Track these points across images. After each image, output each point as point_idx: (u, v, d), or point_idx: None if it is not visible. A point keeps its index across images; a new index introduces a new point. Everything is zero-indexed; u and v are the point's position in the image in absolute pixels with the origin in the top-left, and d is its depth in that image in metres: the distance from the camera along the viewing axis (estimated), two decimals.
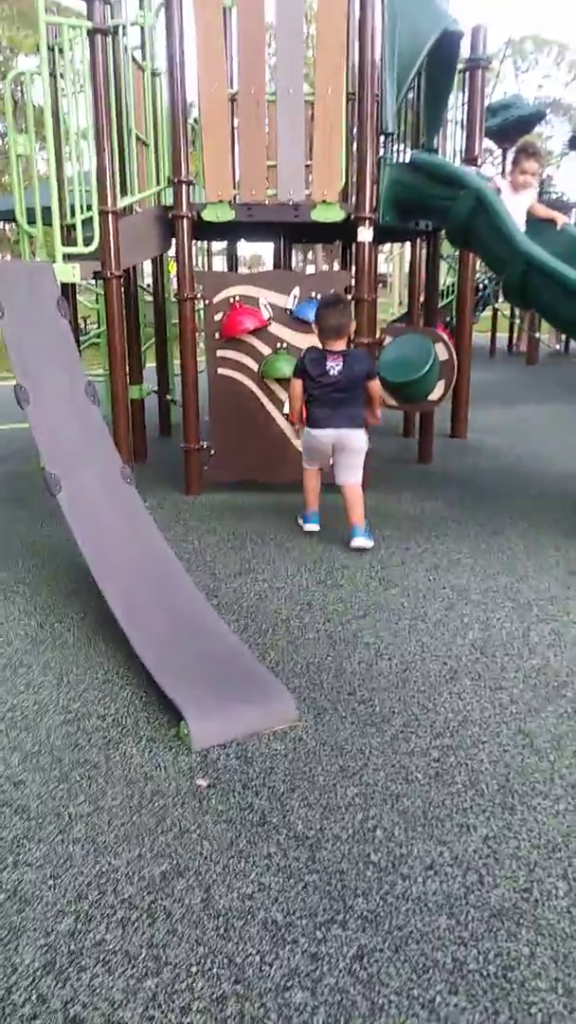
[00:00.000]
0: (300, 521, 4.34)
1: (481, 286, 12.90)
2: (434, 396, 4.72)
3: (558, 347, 14.97)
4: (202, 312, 5.03)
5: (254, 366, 4.83)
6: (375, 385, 4.06)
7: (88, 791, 2.08)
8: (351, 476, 4.03)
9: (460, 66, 5.49)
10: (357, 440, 4.00)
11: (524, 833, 1.92)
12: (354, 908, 1.68)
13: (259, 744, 2.30)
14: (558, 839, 1.90)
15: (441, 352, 4.60)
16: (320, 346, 4.02)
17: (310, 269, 29.46)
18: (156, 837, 1.90)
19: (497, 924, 1.64)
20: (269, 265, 8.53)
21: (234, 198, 4.73)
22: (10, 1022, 1.42)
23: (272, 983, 1.50)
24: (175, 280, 5.26)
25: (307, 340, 4.65)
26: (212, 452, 5.01)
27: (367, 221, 4.67)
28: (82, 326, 10.78)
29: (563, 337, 14.88)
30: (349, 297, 4.77)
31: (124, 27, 4.84)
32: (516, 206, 4.49)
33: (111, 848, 1.86)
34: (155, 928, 1.63)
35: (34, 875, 1.78)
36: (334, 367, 3.91)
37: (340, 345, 3.98)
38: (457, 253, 6.99)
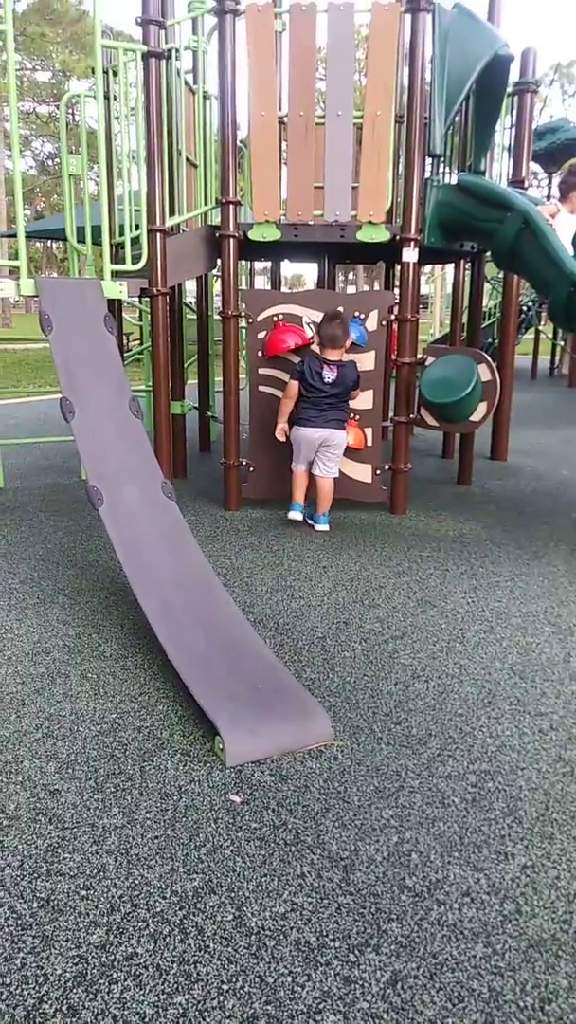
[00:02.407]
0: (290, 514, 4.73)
1: (524, 308, 12.82)
2: (475, 417, 4.68)
3: None
4: (244, 330, 5.07)
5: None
6: (354, 393, 4.66)
7: (122, 803, 2.09)
8: (328, 471, 4.63)
9: (509, 90, 5.49)
10: (339, 439, 4.59)
11: (564, 863, 1.87)
12: (388, 932, 1.66)
13: (294, 762, 2.28)
14: None
15: (484, 373, 4.57)
16: (319, 353, 4.53)
17: (351, 289, 29.57)
18: (189, 852, 1.90)
19: (535, 955, 1.60)
20: (311, 285, 8.57)
21: (280, 219, 4.77)
22: None
23: (304, 1005, 1.48)
24: (219, 298, 5.31)
25: (349, 358, 4.66)
26: (251, 469, 5.03)
27: (412, 242, 4.69)
28: (125, 342, 10.93)
29: None
30: (393, 317, 4.79)
31: (177, 51, 4.94)
32: (570, 228, 4.52)
33: (144, 861, 1.86)
34: (187, 944, 1.62)
35: (67, 885, 1.78)
36: (329, 375, 4.48)
37: (335, 355, 4.51)
38: (501, 275, 6.96)
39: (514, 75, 5.48)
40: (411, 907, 1.73)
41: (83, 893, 1.76)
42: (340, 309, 4.62)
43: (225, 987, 1.51)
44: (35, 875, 1.81)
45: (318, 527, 4.64)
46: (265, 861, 1.87)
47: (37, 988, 1.51)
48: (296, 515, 4.67)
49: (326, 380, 4.47)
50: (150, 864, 1.85)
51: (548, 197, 13.72)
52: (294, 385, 4.57)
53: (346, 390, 4.54)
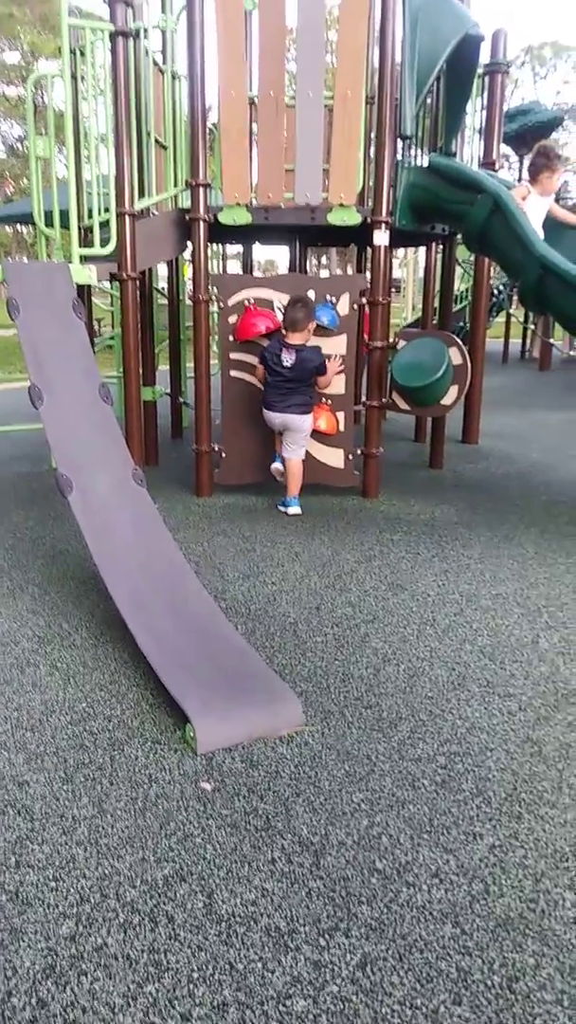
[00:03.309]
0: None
1: (495, 291, 12.86)
2: (447, 401, 4.69)
3: (572, 353, 14.90)
4: (216, 315, 5.03)
5: None
6: (324, 379, 4.62)
7: (92, 793, 2.08)
8: (293, 453, 4.65)
9: (480, 71, 5.47)
10: (301, 423, 4.58)
11: (531, 842, 1.90)
12: (358, 916, 1.67)
13: (265, 748, 2.29)
14: (566, 849, 1.87)
15: (455, 356, 4.57)
16: (282, 337, 4.51)
17: (324, 273, 29.46)
18: (160, 840, 1.89)
19: (503, 934, 1.62)
20: (283, 270, 8.53)
21: (251, 201, 4.73)
22: None
23: (274, 991, 1.48)
24: (190, 283, 5.26)
25: (321, 343, 4.65)
26: (223, 455, 5.01)
27: (383, 224, 4.66)
28: (96, 328, 10.81)
29: None
30: (364, 300, 4.77)
31: (146, 30, 4.86)
32: (540, 210, 4.52)
33: (114, 851, 1.86)
34: (157, 933, 1.62)
35: (36, 877, 1.77)
36: (288, 358, 4.44)
37: (296, 339, 4.46)
38: (472, 258, 6.96)
39: (485, 56, 5.46)
40: (381, 890, 1.74)
41: (52, 885, 1.75)
42: (305, 294, 4.61)
43: (195, 975, 1.52)
44: (3, 868, 1.80)
45: (289, 511, 4.65)
46: (236, 848, 1.87)
47: (5, 982, 1.50)
48: (295, 509, 4.67)
49: (284, 364, 4.44)
50: (120, 854, 1.85)
51: (519, 179, 13.75)
52: (260, 369, 4.65)
53: (306, 374, 4.49)
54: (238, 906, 1.69)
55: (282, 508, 4.70)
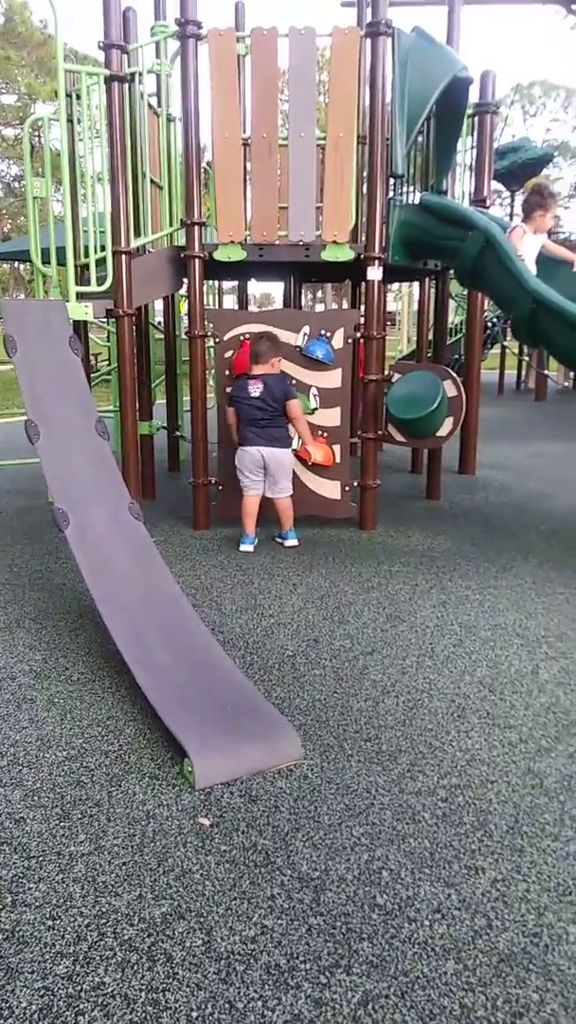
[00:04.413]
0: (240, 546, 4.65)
1: (489, 324, 13.00)
2: (442, 432, 4.72)
3: (567, 384, 15.02)
4: (212, 349, 5.08)
5: None
6: (292, 405, 4.48)
7: (89, 829, 2.06)
8: (279, 492, 4.60)
9: (469, 111, 5.59)
10: (281, 458, 4.52)
11: (534, 876, 1.88)
12: (359, 952, 1.64)
13: (264, 782, 2.27)
14: (568, 882, 1.85)
15: (450, 389, 4.61)
16: (248, 372, 4.54)
17: (319, 307, 29.78)
18: (157, 877, 1.87)
19: (506, 969, 1.60)
20: (279, 304, 8.63)
21: (245, 239, 4.80)
22: None
23: None
24: (186, 318, 5.32)
25: (316, 376, 4.70)
26: (220, 487, 5.03)
27: (376, 261, 4.73)
28: (93, 363, 10.90)
29: (572, 374, 14.95)
30: (359, 335, 4.83)
31: (140, 74, 4.97)
32: (535, 247, 4.61)
33: (111, 888, 1.83)
34: (155, 971, 1.60)
35: (33, 915, 1.75)
36: (255, 389, 4.45)
37: (260, 370, 4.49)
38: (465, 292, 7.05)
39: (474, 97, 5.58)
40: (382, 925, 1.72)
41: (49, 923, 1.72)
42: (270, 329, 4.68)
43: (194, 1014, 1.49)
44: (0, 906, 1.78)
45: (287, 543, 4.65)
46: (235, 884, 1.85)
47: (1, 1023, 1.47)
48: (247, 547, 4.58)
49: (252, 395, 4.43)
50: (118, 891, 1.82)
51: (511, 215, 13.98)
52: (230, 412, 4.63)
53: (277, 403, 4.43)
54: (237, 944, 1.67)
55: (279, 540, 4.70)
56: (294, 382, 4.80)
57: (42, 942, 1.67)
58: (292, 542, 4.65)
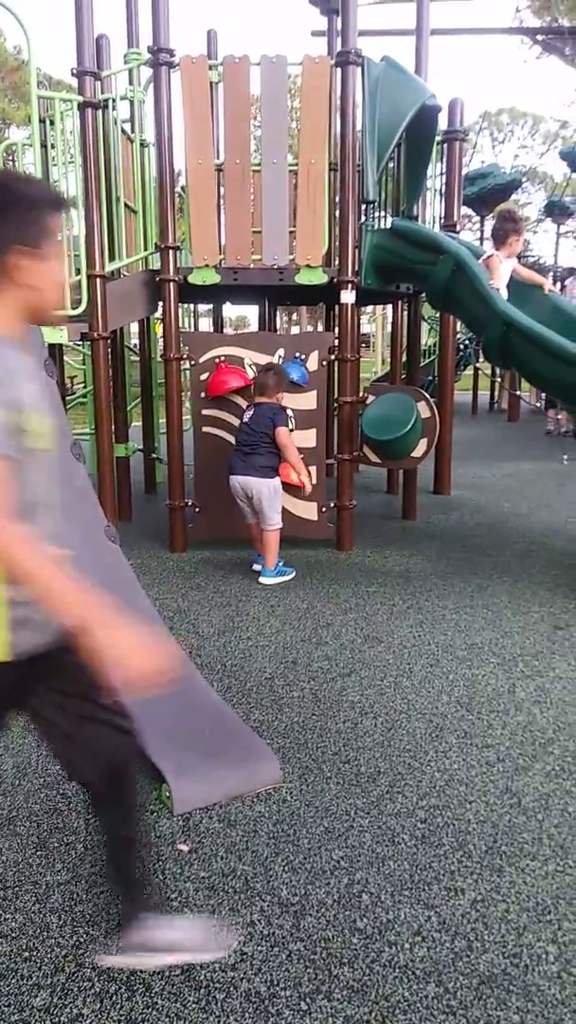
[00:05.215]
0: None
1: (461, 346, 13.16)
2: (417, 453, 4.77)
3: (539, 404, 15.21)
4: (187, 372, 5.10)
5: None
6: (280, 432, 4.32)
7: (66, 858, 2.03)
8: (264, 522, 4.40)
9: (438, 138, 5.70)
10: (261, 488, 4.33)
11: (513, 896, 1.88)
12: (339, 977, 1.63)
13: (242, 807, 2.26)
14: (547, 901, 1.86)
15: (423, 410, 4.66)
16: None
17: (295, 330, 29.96)
18: None
19: (486, 991, 1.60)
20: (255, 326, 8.68)
21: (220, 263, 4.84)
22: None
23: None
24: (162, 340, 5.34)
25: (290, 398, 4.72)
26: (197, 509, 5.03)
27: (349, 284, 4.79)
28: (68, 385, 10.88)
29: (543, 395, 15.13)
30: (332, 357, 4.87)
31: (114, 100, 5.01)
32: (507, 272, 4.71)
33: (89, 918, 1.81)
34: (134, 1002, 1.58)
35: (8, 947, 1.72)
36: (248, 415, 4.43)
37: (262, 400, 4.43)
38: (438, 314, 7.14)
39: (443, 124, 5.69)
40: (362, 950, 1.71)
41: (25, 955, 1.70)
42: (276, 361, 4.66)
43: None
44: None
45: (261, 579, 4.41)
46: (214, 911, 1.83)
47: None
48: (258, 567, 4.52)
49: (245, 420, 4.42)
50: (95, 921, 1.80)
51: (481, 240, 14.19)
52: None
53: (264, 429, 4.31)
54: (217, 971, 1.65)
55: (257, 567, 4.55)
56: (291, 414, 4.77)
57: (19, 974, 1.64)
58: (266, 580, 4.39)
